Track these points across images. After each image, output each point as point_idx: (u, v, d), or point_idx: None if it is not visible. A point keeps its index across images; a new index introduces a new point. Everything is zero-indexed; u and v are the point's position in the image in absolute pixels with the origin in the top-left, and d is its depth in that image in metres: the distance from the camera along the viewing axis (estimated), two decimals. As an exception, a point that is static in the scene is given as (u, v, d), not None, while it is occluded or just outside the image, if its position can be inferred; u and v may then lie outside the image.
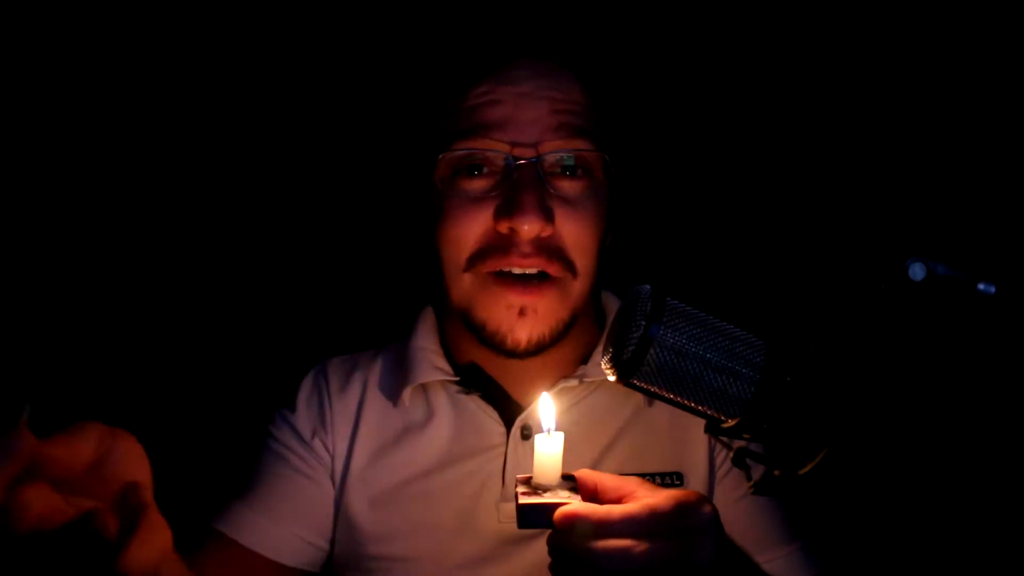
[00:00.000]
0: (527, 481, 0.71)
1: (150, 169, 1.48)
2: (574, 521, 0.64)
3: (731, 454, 0.71)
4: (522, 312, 0.91)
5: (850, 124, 1.39)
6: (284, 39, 1.46)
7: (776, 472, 0.66)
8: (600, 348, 1.01)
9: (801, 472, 0.63)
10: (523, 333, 0.91)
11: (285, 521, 0.97)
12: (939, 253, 0.60)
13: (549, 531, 0.68)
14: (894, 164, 1.36)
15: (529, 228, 0.87)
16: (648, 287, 0.66)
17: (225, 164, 1.50)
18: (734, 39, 1.42)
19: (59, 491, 0.53)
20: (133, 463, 0.57)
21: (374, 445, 1.01)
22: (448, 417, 1.00)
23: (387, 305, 1.31)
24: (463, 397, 1.00)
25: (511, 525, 0.93)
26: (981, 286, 0.60)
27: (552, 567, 0.67)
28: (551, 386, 0.98)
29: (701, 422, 0.68)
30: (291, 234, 1.52)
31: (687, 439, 0.98)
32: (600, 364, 0.98)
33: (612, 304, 1.08)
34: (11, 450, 0.50)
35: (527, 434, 0.96)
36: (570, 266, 0.92)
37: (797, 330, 0.67)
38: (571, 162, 0.91)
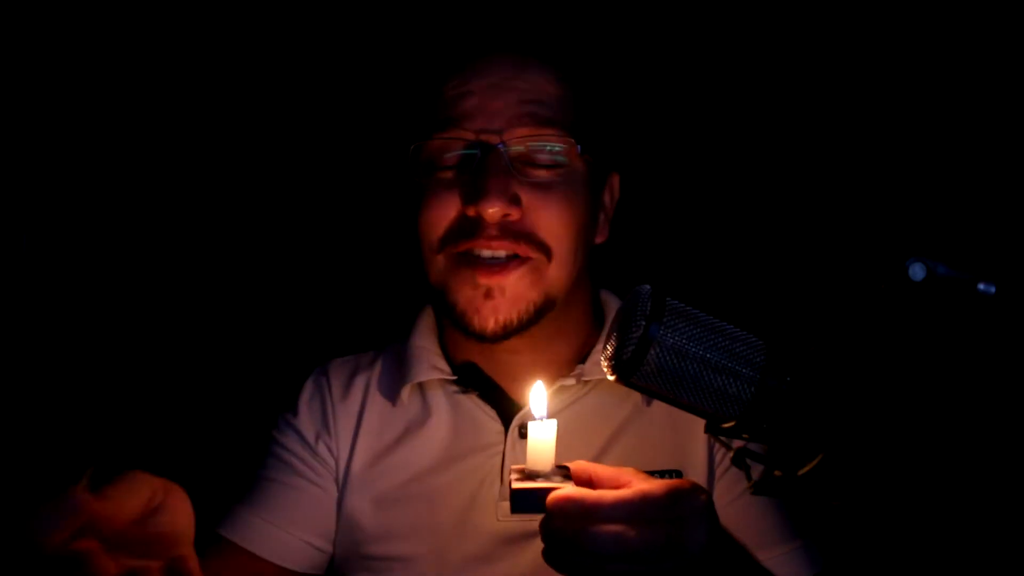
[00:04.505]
0: (521, 470, 0.72)
1: (147, 172, 1.48)
2: (567, 505, 0.64)
3: (731, 454, 0.71)
4: (488, 294, 0.91)
5: (850, 124, 1.39)
6: (269, 40, 1.46)
7: (776, 472, 0.66)
8: (598, 347, 1.02)
9: (801, 472, 0.63)
10: (489, 314, 0.91)
11: (292, 526, 0.98)
12: (939, 253, 0.60)
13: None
14: (894, 164, 1.36)
15: (493, 212, 0.89)
16: (648, 287, 0.66)
17: (225, 165, 1.50)
18: (733, 36, 1.42)
19: (106, 547, 0.53)
20: (180, 518, 0.58)
21: (375, 447, 1.01)
22: (446, 416, 1.00)
23: (388, 306, 1.31)
24: (461, 399, 1.00)
25: (510, 523, 0.93)
26: (981, 286, 0.60)
27: (545, 552, 0.67)
28: (547, 385, 0.99)
29: (700, 420, 0.68)
30: (292, 236, 1.52)
31: (686, 437, 0.98)
32: (598, 363, 0.99)
33: (611, 303, 1.08)
34: (70, 508, 0.50)
35: (525, 433, 0.96)
36: (543, 248, 0.92)
37: (797, 330, 0.67)
38: (541, 149, 0.92)
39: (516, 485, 0.68)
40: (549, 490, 0.66)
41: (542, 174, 0.92)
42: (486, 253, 0.91)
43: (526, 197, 0.91)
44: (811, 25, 1.39)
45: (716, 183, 1.46)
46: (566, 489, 0.66)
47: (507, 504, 0.93)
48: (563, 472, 0.70)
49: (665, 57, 1.44)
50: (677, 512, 0.64)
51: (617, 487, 0.67)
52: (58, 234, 1.46)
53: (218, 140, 1.49)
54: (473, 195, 0.90)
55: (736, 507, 0.94)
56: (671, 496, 0.64)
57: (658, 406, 0.99)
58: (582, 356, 1.02)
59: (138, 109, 1.47)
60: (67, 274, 1.46)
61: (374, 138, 1.46)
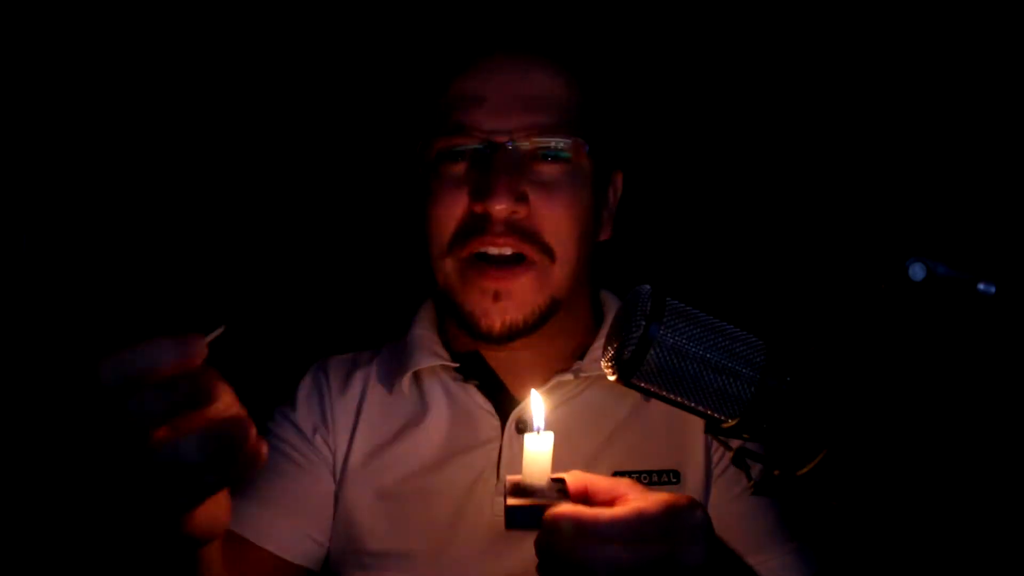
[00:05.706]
0: (517, 482, 0.71)
1: (147, 172, 1.48)
2: (563, 523, 0.63)
3: (730, 454, 0.71)
4: (496, 296, 0.93)
5: (850, 124, 1.39)
6: (273, 37, 1.46)
7: (775, 472, 0.66)
8: (596, 344, 1.02)
9: (800, 472, 0.63)
10: (496, 317, 0.93)
11: (291, 517, 0.97)
12: (939, 253, 0.60)
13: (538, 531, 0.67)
14: (894, 164, 1.36)
15: (500, 208, 0.90)
16: (648, 287, 0.66)
17: (224, 164, 1.50)
18: (735, 35, 1.42)
19: None
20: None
21: (372, 441, 1.02)
22: (444, 411, 1.01)
23: (387, 306, 1.31)
24: (460, 391, 1.01)
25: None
26: (981, 286, 0.60)
27: (540, 568, 0.66)
28: (546, 380, 0.99)
29: (699, 420, 0.68)
30: (291, 235, 1.52)
31: (684, 437, 0.98)
32: (595, 360, 0.99)
33: (610, 303, 1.09)
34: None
35: (522, 428, 0.97)
36: (547, 250, 0.94)
37: (797, 330, 0.66)
38: (548, 147, 0.94)
39: (511, 501, 0.67)
40: (544, 506, 0.65)
41: (549, 171, 0.94)
42: (492, 251, 0.92)
43: (533, 195, 0.93)
44: (812, 25, 1.39)
45: (717, 183, 1.46)
46: (562, 506, 0.65)
47: (502, 499, 0.93)
48: (558, 485, 0.69)
49: (668, 56, 1.44)
50: (674, 530, 0.63)
51: (613, 499, 0.67)
52: (58, 234, 1.46)
53: (217, 140, 1.49)
54: (481, 192, 0.91)
55: (733, 508, 0.94)
56: (668, 514, 0.63)
57: (656, 404, 0.98)
58: (580, 352, 1.03)
59: (138, 109, 1.47)
60: (67, 274, 1.46)
61: (375, 137, 1.46)
